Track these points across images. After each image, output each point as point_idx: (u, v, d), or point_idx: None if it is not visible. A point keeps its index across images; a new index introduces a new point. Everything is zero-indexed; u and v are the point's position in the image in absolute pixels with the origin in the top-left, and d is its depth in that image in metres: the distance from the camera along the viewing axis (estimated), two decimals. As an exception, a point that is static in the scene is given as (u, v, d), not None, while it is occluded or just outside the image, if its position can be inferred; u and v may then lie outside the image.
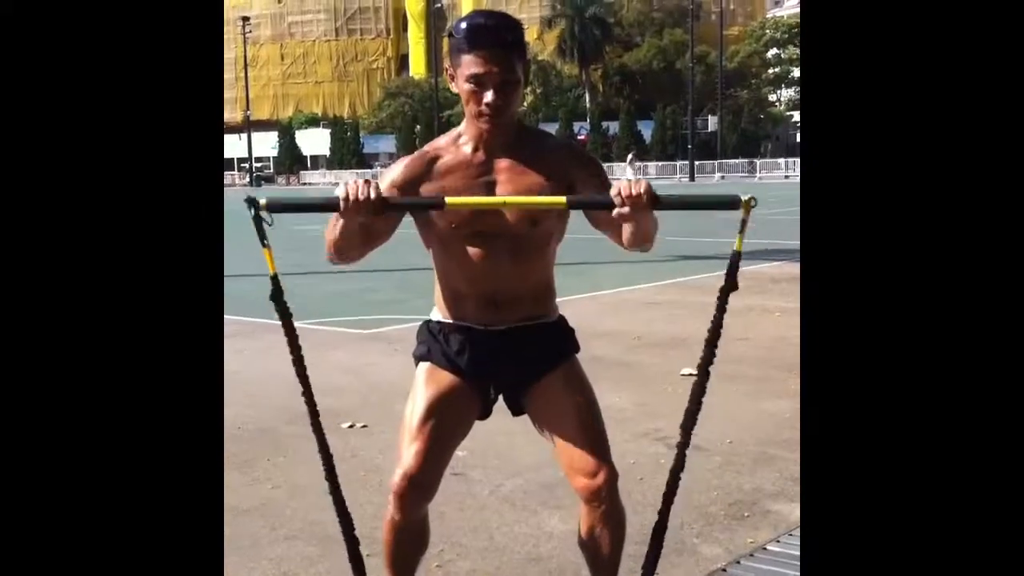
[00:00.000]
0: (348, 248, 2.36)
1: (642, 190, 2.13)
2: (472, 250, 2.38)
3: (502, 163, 2.37)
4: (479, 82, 2.26)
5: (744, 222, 2.17)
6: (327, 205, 2.22)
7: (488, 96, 2.27)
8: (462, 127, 2.42)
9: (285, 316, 2.30)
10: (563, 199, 2.24)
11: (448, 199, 2.24)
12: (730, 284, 2.26)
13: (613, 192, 2.15)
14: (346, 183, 2.21)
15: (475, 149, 2.38)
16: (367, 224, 2.27)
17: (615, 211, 2.16)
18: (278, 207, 2.23)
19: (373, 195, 2.18)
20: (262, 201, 2.17)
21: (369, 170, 61.47)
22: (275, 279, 2.27)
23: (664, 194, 2.17)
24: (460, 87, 2.31)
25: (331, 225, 2.32)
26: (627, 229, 2.28)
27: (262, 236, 2.21)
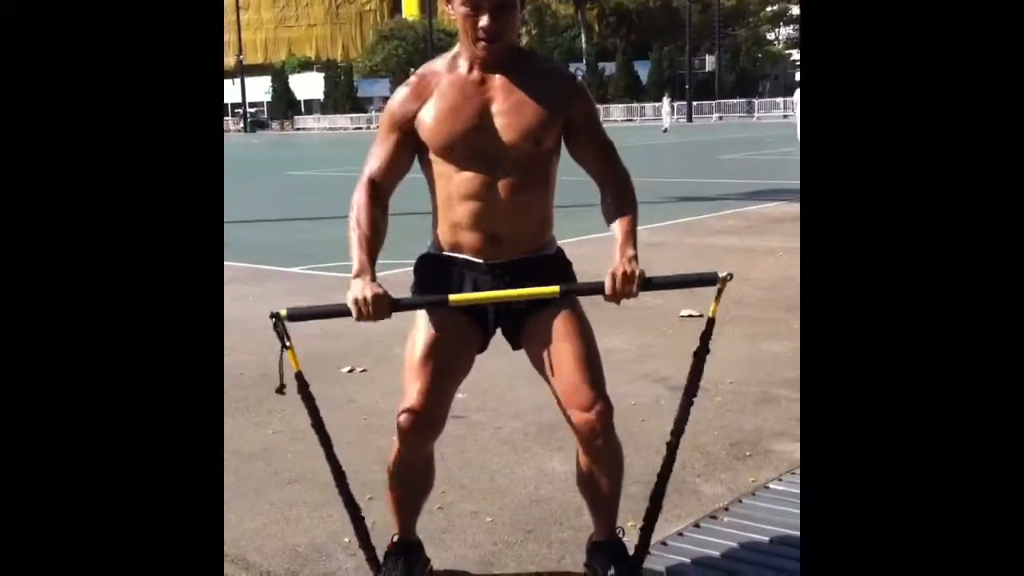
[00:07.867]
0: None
1: (633, 284, 2.27)
2: (472, 179, 2.35)
3: (497, 80, 2.35)
4: (475, 5, 2.26)
5: (720, 292, 2.34)
6: (342, 311, 2.31)
7: (484, 20, 2.26)
8: (457, 48, 2.41)
9: (313, 411, 2.40)
10: (556, 288, 2.34)
11: (452, 296, 2.34)
12: (704, 348, 2.42)
13: (607, 280, 2.26)
14: (354, 298, 2.27)
15: (470, 69, 2.36)
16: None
17: (605, 294, 2.27)
18: (297, 316, 2.33)
19: (376, 308, 2.27)
20: (283, 312, 2.30)
21: (364, 114, 60.91)
22: (300, 376, 2.36)
23: (652, 276, 2.31)
24: (456, 11, 2.30)
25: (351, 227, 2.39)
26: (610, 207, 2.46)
27: (284, 341, 2.32)
